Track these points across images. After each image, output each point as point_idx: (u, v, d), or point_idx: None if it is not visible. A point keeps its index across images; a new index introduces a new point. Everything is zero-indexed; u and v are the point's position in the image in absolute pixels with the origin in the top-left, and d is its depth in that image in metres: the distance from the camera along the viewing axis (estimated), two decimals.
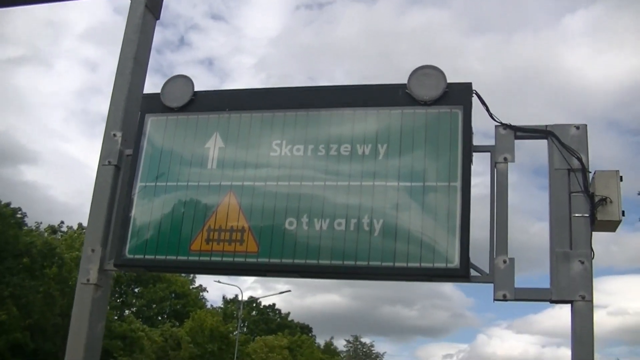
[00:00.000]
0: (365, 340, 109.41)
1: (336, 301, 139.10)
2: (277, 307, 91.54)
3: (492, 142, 8.06)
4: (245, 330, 79.49)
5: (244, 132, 8.57)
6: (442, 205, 7.69)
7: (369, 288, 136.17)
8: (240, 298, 71.18)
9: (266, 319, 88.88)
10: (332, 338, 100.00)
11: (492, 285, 7.51)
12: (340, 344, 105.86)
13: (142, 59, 9.64)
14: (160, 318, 68.25)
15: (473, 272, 7.56)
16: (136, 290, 69.01)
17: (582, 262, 7.32)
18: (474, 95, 8.05)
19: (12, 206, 43.88)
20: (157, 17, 10.06)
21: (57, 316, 41.52)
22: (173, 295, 70.50)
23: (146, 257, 8.44)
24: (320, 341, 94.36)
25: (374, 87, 8.46)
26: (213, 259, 8.16)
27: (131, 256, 8.48)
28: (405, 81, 8.22)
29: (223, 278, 64.64)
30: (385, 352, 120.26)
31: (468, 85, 8.09)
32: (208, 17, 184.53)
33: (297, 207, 8.08)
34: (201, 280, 77.97)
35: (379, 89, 8.40)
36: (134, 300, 67.91)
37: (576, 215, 7.55)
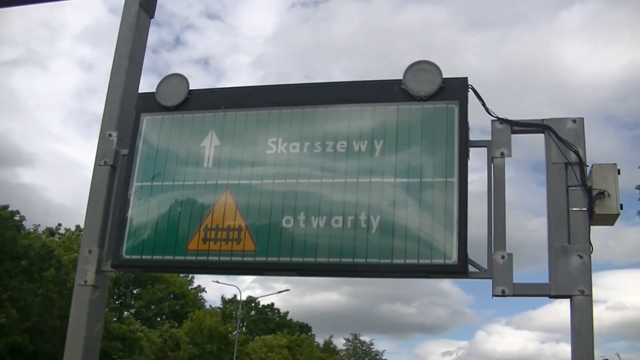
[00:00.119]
0: (365, 338, 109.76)
1: (335, 300, 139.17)
2: (275, 306, 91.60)
3: (488, 137, 8.03)
4: (244, 330, 79.48)
5: (240, 130, 8.55)
6: (439, 201, 7.67)
7: (367, 286, 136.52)
8: (239, 298, 71.25)
9: (265, 319, 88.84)
10: (331, 337, 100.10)
11: (490, 281, 7.48)
12: (339, 342, 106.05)
13: (137, 58, 9.61)
14: (159, 319, 68.18)
15: (471, 268, 7.53)
16: (135, 291, 68.93)
17: (581, 257, 7.30)
18: (470, 90, 8.03)
19: (10, 209, 43.84)
20: (152, 16, 10.02)
21: (55, 318, 41.48)
22: (172, 296, 70.43)
23: (143, 257, 8.41)
24: (320, 340, 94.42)
25: (369, 84, 8.43)
26: (210, 258, 8.13)
27: (128, 257, 8.45)
28: (401, 77, 8.19)
29: (221, 278, 64.71)
30: (384, 350, 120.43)
31: (464, 80, 8.07)
32: (204, 17, 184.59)
33: (294, 205, 8.05)
34: (200, 280, 77.99)
35: (374, 85, 8.37)
36: (132, 302, 67.84)
37: (574, 209, 7.53)
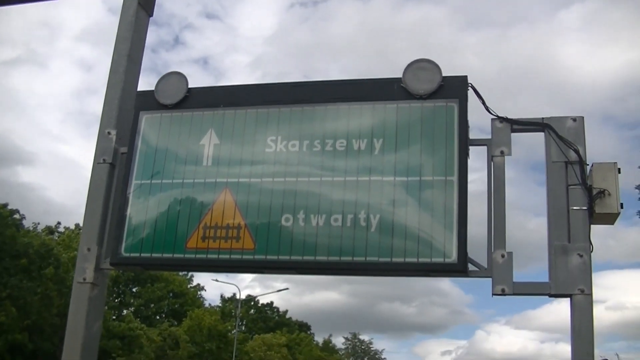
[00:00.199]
0: (364, 337, 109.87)
1: (334, 299, 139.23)
2: (275, 305, 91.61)
3: (487, 136, 8.01)
4: (243, 328, 79.53)
5: (239, 129, 8.53)
6: (439, 199, 7.65)
7: (367, 285, 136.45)
8: (238, 297, 71.20)
9: (264, 317, 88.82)
10: (330, 336, 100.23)
11: (490, 280, 7.46)
12: (338, 341, 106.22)
13: (135, 57, 9.59)
14: (158, 317, 68.18)
15: (471, 267, 7.52)
16: (134, 290, 68.91)
17: (581, 256, 7.28)
18: (469, 88, 8.01)
19: (9, 208, 43.81)
20: (150, 14, 10.01)
21: (54, 316, 41.43)
22: (171, 294, 70.39)
23: (142, 255, 8.40)
24: (319, 339, 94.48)
25: (369, 82, 8.41)
26: (209, 256, 8.12)
27: (127, 254, 8.44)
28: (401, 76, 8.17)
29: (221, 277, 64.76)
30: (383, 349, 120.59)
31: (464, 79, 8.05)
32: (202, 16, 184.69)
33: (293, 204, 8.04)
34: (199, 279, 77.94)
35: (374, 84, 8.35)
36: (132, 300, 67.81)
37: (574, 208, 7.51)
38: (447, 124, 7.90)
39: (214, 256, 8.11)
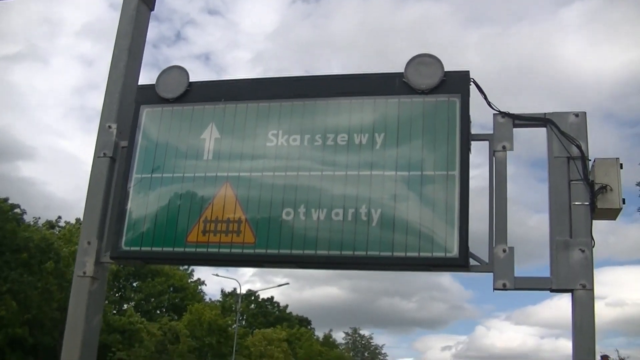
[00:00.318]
0: (364, 332, 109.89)
1: (334, 294, 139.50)
2: (275, 300, 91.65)
3: (489, 133, 7.99)
4: (243, 323, 79.46)
5: (240, 123, 8.50)
6: (440, 194, 7.63)
7: (367, 280, 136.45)
8: (238, 291, 71.26)
9: (265, 312, 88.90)
10: (331, 330, 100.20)
11: (491, 274, 7.45)
12: (339, 336, 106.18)
13: (136, 51, 9.57)
14: (158, 312, 68.17)
15: (472, 262, 7.50)
16: (134, 284, 68.92)
17: (583, 251, 7.26)
18: (471, 83, 7.98)
19: (10, 202, 43.77)
20: (152, 9, 9.98)
21: (55, 310, 41.44)
22: (171, 289, 70.39)
23: (142, 249, 8.38)
24: (319, 334, 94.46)
25: (370, 76, 8.38)
26: (210, 250, 8.10)
27: (127, 248, 8.42)
28: (403, 70, 8.14)
29: (221, 271, 64.75)
30: (384, 344, 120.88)
31: (466, 74, 8.03)
32: (204, 12, 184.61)
33: (294, 198, 8.02)
34: (199, 273, 77.98)
35: (375, 78, 8.32)
36: (132, 295, 67.82)
37: (576, 203, 7.49)
38: (449, 119, 7.87)
39: (215, 250, 8.09)
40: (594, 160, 7.59)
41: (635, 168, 25.23)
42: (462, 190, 7.56)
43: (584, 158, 7.59)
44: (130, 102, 9.11)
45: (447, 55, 8.00)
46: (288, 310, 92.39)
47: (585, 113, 7.83)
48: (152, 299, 68.55)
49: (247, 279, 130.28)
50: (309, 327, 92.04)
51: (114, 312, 55.65)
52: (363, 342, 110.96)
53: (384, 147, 7.96)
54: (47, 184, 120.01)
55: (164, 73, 8.89)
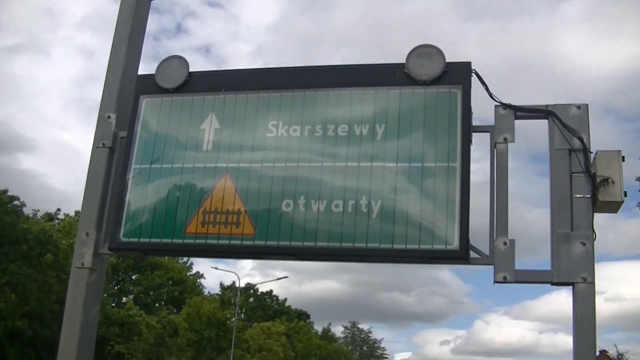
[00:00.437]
0: (363, 326, 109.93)
1: (333, 287, 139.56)
2: (274, 293, 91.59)
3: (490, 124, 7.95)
4: (242, 316, 79.50)
5: (240, 113, 8.45)
6: (441, 186, 7.58)
7: (366, 274, 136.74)
8: (237, 285, 71.21)
9: (263, 306, 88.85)
10: (329, 324, 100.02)
11: (492, 267, 7.42)
12: (338, 330, 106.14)
13: (136, 40, 9.51)
14: (157, 305, 68.16)
15: (473, 254, 7.46)
16: (133, 277, 68.89)
17: (584, 244, 7.22)
18: (473, 75, 7.93)
19: (9, 194, 43.71)
20: None
21: (54, 303, 41.42)
22: (170, 282, 70.36)
23: (141, 240, 8.34)
24: (318, 327, 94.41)
25: (371, 67, 8.33)
26: (209, 241, 8.05)
27: (126, 240, 8.38)
28: (404, 61, 8.09)
29: (220, 265, 64.73)
30: (382, 338, 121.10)
31: (467, 65, 7.98)
32: (205, 4, 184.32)
33: (294, 189, 7.97)
34: (198, 267, 78.07)
35: (376, 69, 8.27)
36: (131, 288, 67.78)
37: (577, 196, 7.45)
38: (451, 110, 7.82)
39: (214, 241, 8.05)
40: (596, 153, 7.54)
41: (635, 163, 25.20)
42: (462, 182, 7.51)
43: (585, 150, 7.55)
44: (130, 92, 9.06)
45: (447, 49, 7.97)
46: (287, 304, 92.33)
47: (587, 105, 7.80)
48: (151, 292, 68.54)
49: (246, 273, 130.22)
50: (307, 320, 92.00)
51: (113, 305, 55.62)
52: (362, 336, 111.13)
53: (385, 139, 7.91)
54: (47, 176, 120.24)
55: (163, 63, 8.83)
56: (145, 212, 8.40)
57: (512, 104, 7.88)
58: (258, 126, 8.35)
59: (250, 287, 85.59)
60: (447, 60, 7.97)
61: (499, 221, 7.51)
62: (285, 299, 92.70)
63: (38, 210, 53.92)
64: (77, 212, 54.56)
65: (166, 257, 67.16)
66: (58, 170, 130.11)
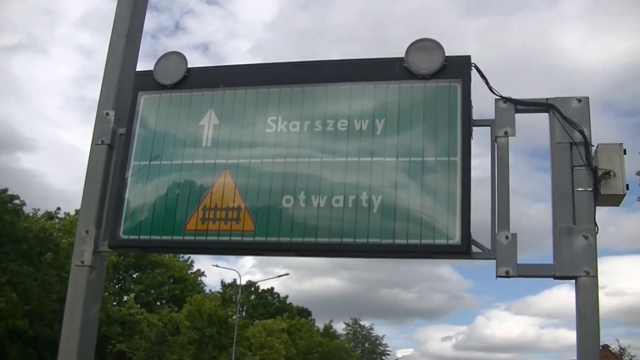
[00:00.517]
0: (365, 323, 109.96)
1: (334, 284, 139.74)
2: (275, 291, 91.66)
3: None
4: (244, 314, 79.49)
5: (239, 109, 8.41)
6: (442, 180, 7.55)
7: (367, 271, 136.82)
8: (238, 282, 71.20)
9: (265, 303, 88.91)
10: (331, 321, 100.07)
11: (493, 262, 7.38)
12: (339, 327, 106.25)
13: (134, 37, 9.46)
14: (158, 303, 68.17)
15: (475, 249, 7.43)
16: (134, 275, 68.91)
17: (586, 237, 7.19)
18: (472, 69, 7.89)
19: (9, 193, 43.66)
20: None
21: (54, 302, 41.38)
22: (171, 280, 70.37)
23: (141, 237, 8.30)
24: (320, 324, 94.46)
25: (370, 62, 8.28)
26: (209, 238, 8.02)
27: (126, 237, 8.33)
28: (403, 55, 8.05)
29: (221, 262, 64.67)
30: (384, 335, 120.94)
31: (467, 58, 7.94)
32: (203, 2, 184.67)
33: (294, 185, 7.93)
34: (199, 264, 77.94)
35: (375, 63, 8.22)
36: (132, 286, 67.80)
37: (579, 189, 7.42)
38: (450, 104, 7.78)
39: (214, 238, 8.01)
40: (597, 146, 7.51)
41: (635, 157, 25.18)
42: (463, 177, 7.47)
43: (587, 143, 7.52)
44: (128, 88, 9.01)
45: (446, 45, 7.94)
46: (288, 301, 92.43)
47: (587, 98, 7.77)
48: (152, 291, 68.56)
49: (247, 270, 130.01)
50: (309, 318, 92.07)
51: (114, 303, 55.63)
52: (364, 332, 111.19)
53: (385, 133, 7.87)
54: (47, 175, 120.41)
55: (162, 59, 8.78)
56: (144, 209, 8.36)
57: (513, 97, 7.85)
58: (257, 122, 8.31)
59: (251, 284, 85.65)
60: (447, 54, 7.93)
61: (500, 215, 7.47)
62: (287, 296, 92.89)
63: (38, 210, 53.98)
64: (77, 211, 54.51)
65: (167, 255, 67.26)
66: (58, 169, 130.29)
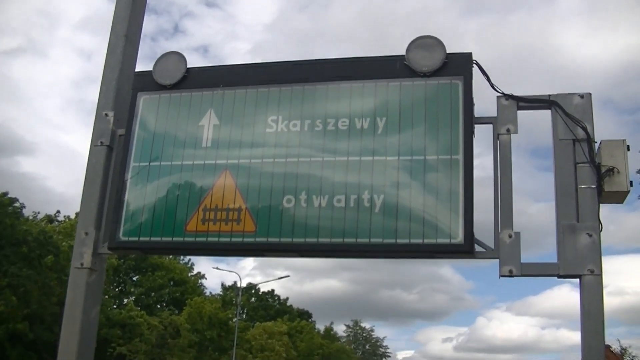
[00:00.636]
0: (365, 324, 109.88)
1: (335, 286, 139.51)
2: (276, 293, 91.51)
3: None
4: (244, 316, 79.38)
5: (239, 109, 8.36)
6: (444, 179, 7.50)
7: (367, 272, 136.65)
8: (239, 284, 71.14)
9: (265, 305, 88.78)
10: (332, 323, 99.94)
11: (494, 262, 7.34)
12: (340, 329, 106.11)
13: (133, 37, 9.41)
14: (159, 306, 68.08)
15: (477, 248, 7.37)
16: (134, 278, 68.82)
17: (590, 235, 7.14)
18: (474, 65, 7.84)
19: (9, 196, 43.60)
20: None
21: (55, 305, 41.25)
22: (172, 282, 70.26)
23: (141, 239, 8.24)
24: (320, 326, 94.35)
25: (371, 60, 8.23)
26: (210, 239, 7.96)
27: (126, 239, 8.28)
28: (404, 53, 7.99)
29: (222, 265, 64.55)
30: (385, 337, 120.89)
31: (468, 55, 7.90)
32: (202, 4, 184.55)
33: (295, 185, 7.88)
34: (200, 267, 78.02)
35: (376, 62, 8.18)
36: (132, 289, 67.71)
37: (582, 186, 7.36)
38: (452, 101, 7.73)
39: (214, 239, 7.95)
40: (600, 142, 7.46)
41: (635, 155, 25.13)
42: (466, 175, 7.42)
43: (589, 140, 7.47)
44: (127, 89, 8.97)
45: (446, 44, 7.90)
46: (289, 303, 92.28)
47: (590, 94, 7.73)
48: (153, 293, 68.42)
49: (247, 272, 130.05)
50: (309, 320, 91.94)
51: (114, 306, 55.53)
52: (364, 334, 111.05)
53: (386, 132, 7.82)
54: (47, 178, 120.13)
55: (161, 59, 8.74)
56: (144, 210, 8.31)
57: (514, 94, 7.80)
58: (257, 122, 8.25)
59: (251, 286, 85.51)
60: (448, 52, 7.87)
61: (503, 214, 7.42)
62: (287, 299, 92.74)
63: (38, 213, 53.84)
64: (77, 214, 54.50)
65: (167, 258, 67.17)
66: (58, 172, 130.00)
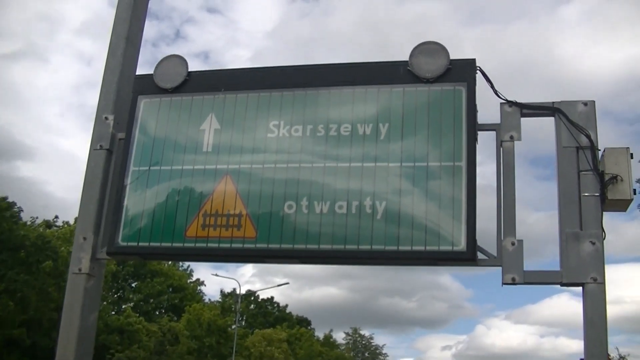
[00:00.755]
0: (365, 332, 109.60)
1: (334, 293, 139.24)
2: (275, 300, 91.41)
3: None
4: (243, 323, 79.29)
5: (241, 113, 8.30)
6: (446, 186, 7.45)
7: (366, 280, 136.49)
8: (238, 291, 71.04)
9: (264, 312, 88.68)
10: (331, 330, 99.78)
11: (496, 270, 7.31)
12: (339, 336, 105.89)
13: (134, 39, 9.36)
14: (157, 312, 68.00)
15: (480, 255, 7.31)
16: (133, 284, 68.73)
17: (593, 243, 7.09)
18: (477, 72, 7.79)
19: (8, 201, 43.53)
20: None
21: (53, 311, 41.18)
22: (170, 289, 70.19)
23: (140, 244, 8.18)
24: (320, 334, 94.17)
25: (374, 65, 8.19)
26: (210, 245, 7.90)
27: (125, 244, 8.22)
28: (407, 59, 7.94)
29: (221, 271, 64.43)
30: (384, 344, 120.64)
31: (472, 62, 7.86)
32: (203, 10, 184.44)
33: (296, 191, 7.83)
34: (199, 274, 77.84)
35: (379, 67, 8.14)
36: (131, 295, 67.61)
37: (586, 194, 7.32)
38: (455, 108, 7.68)
39: (215, 245, 7.89)
40: (604, 150, 7.42)
41: (635, 165, 25.15)
42: (469, 182, 7.36)
43: (593, 148, 7.43)
44: (128, 92, 8.92)
45: None
46: (288, 311, 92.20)
47: (594, 102, 7.70)
48: (151, 300, 68.36)
49: (246, 279, 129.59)
50: (309, 327, 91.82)
51: (113, 312, 55.43)
52: (363, 342, 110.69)
53: (389, 138, 7.77)
54: (46, 183, 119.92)
55: (162, 62, 8.69)
56: (144, 215, 8.25)
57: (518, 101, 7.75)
58: (259, 126, 8.20)
59: (250, 293, 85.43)
60: (451, 58, 7.82)
61: (506, 221, 7.37)
62: (286, 306, 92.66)
63: (37, 218, 53.74)
64: (76, 219, 54.36)
65: (166, 264, 67.12)
66: (57, 177, 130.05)
